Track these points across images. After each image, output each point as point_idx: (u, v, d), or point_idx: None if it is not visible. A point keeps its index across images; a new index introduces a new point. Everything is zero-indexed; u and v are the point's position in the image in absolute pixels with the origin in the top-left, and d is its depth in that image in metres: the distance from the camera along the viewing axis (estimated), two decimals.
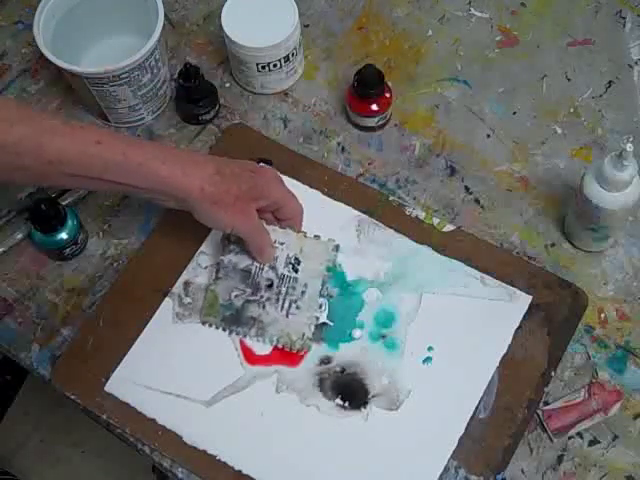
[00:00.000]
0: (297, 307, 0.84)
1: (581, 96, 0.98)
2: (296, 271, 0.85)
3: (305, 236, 0.87)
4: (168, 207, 0.81)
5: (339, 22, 1.05)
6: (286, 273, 0.85)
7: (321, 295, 0.85)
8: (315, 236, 0.87)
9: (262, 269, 0.85)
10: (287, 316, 0.84)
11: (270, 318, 0.84)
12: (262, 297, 0.85)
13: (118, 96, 0.93)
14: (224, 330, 0.85)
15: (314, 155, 0.96)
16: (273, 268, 0.85)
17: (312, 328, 0.84)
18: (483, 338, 0.84)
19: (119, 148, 0.75)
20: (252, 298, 0.85)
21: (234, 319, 0.84)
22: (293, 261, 0.85)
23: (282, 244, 0.85)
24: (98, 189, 0.85)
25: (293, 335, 0.84)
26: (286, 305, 0.84)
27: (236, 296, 0.84)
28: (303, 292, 0.85)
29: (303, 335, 0.84)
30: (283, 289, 0.85)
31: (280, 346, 0.84)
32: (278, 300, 0.85)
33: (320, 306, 0.85)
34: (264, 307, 0.84)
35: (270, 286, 0.85)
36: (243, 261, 0.85)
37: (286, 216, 0.86)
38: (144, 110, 0.97)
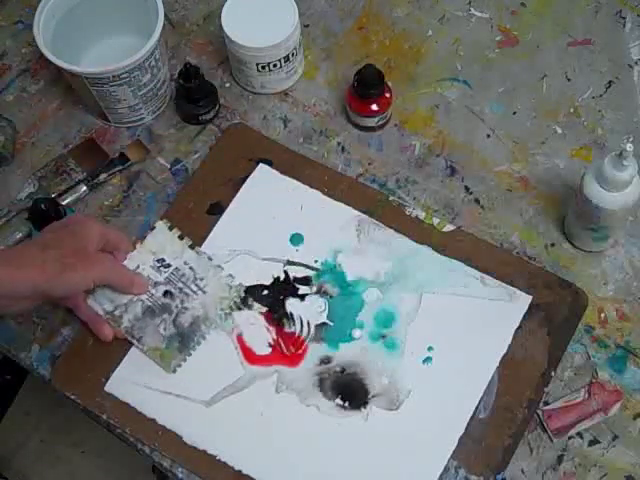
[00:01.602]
0: (201, 279, 0.86)
1: (581, 96, 0.98)
2: (169, 265, 0.87)
3: (142, 243, 0.87)
4: (22, 311, 0.82)
5: (339, 22, 1.05)
6: (165, 275, 0.86)
7: (198, 252, 0.87)
8: (143, 236, 0.88)
9: (152, 294, 0.85)
10: (204, 292, 0.86)
11: (199, 308, 0.85)
12: (177, 307, 0.85)
13: (118, 96, 0.93)
14: (190, 355, 0.84)
15: (314, 155, 0.96)
16: (157, 284, 0.86)
17: (227, 274, 0.86)
18: (483, 338, 0.84)
19: None
20: (173, 316, 0.85)
21: (184, 341, 0.84)
22: (158, 264, 0.86)
23: (137, 267, 0.86)
24: None
25: (223, 294, 0.86)
26: (195, 288, 0.86)
27: (165, 329, 0.85)
28: (191, 267, 0.87)
29: (229, 288, 0.86)
30: (180, 284, 0.86)
31: (228, 311, 0.85)
32: (187, 294, 0.86)
33: (230, 275, 0.87)
34: (187, 309, 0.85)
35: (171, 294, 0.86)
36: (135, 309, 0.85)
37: (115, 244, 0.84)
38: (144, 110, 0.97)
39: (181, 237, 0.88)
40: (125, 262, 0.86)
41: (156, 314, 0.85)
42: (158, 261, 0.87)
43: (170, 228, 0.88)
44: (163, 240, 0.87)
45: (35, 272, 0.75)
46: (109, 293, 0.84)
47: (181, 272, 0.86)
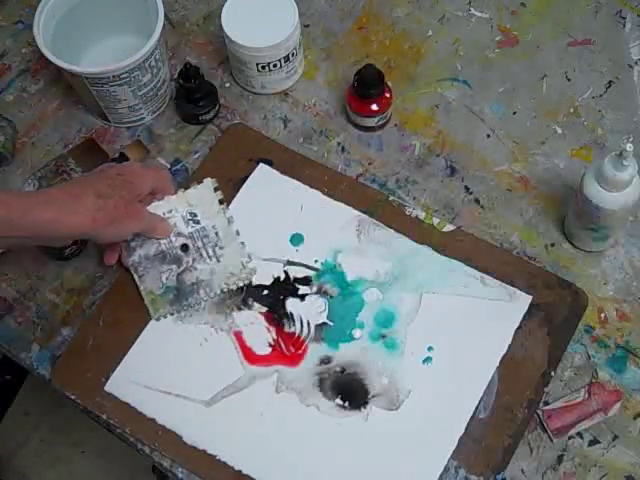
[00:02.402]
0: (221, 248, 0.87)
1: (581, 96, 0.98)
2: (198, 222, 0.88)
3: (184, 191, 0.89)
4: (62, 244, 0.85)
5: (339, 22, 1.05)
6: (191, 230, 0.88)
7: (229, 221, 0.88)
8: (187, 188, 0.89)
9: (171, 241, 0.87)
10: (219, 261, 0.87)
11: (207, 273, 0.87)
12: (188, 262, 0.87)
13: (118, 96, 0.93)
14: (178, 312, 0.86)
15: (314, 155, 0.96)
16: (179, 234, 0.87)
17: (245, 254, 0.87)
18: (483, 338, 0.84)
19: None
20: (180, 269, 0.87)
21: (179, 296, 0.86)
22: (189, 217, 0.88)
23: (170, 211, 0.88)
24: None
25: (234, 271, 0.87)
26: (211, 253, 0.87)
27: (167, 278, 0.86)
28: (217, 233, 0.88)
29: (242, 264, 0.87)
30: (199, 243, 0.87)
31: (232, 287, 0.86)
32: (202, 255, 0.87)
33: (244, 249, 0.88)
34: (195, 268, 0.87)
35: (187, 249, 0.87)
36: (150, 248, 0.87)
37: (158, 190, 0.87)
38: (144, 110, 0.97)
39: (221, 202, 0.89)
40: (160, 202, 0.87)
41: (165, 261, 0.87)
42: (190, 214, 0.88)
43: (215, 189, 0.89)
44: (204, 197, 0.89)
45: (86, 220, 0.78)
46: None
47: (206, 233, 0.88)
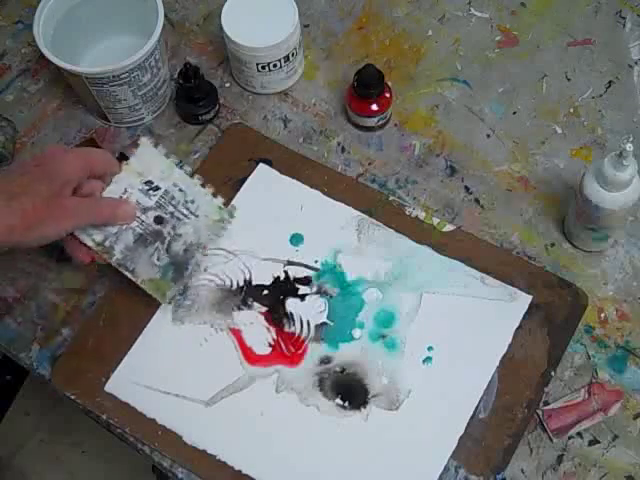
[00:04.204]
0: (192, 202, 0.83)
1: (581, 96, 0.98)
2: (158, 188, 0.82)
3: (127, 163, 0.82)
4: None
5: (339, 22, 1.05)
6: (156, 199, 0.82)
7: (191, 175, 0.84)
8: (127, 158, 0.83)
9: (142, 221, 0.81)
10: (196, 216, 0.83)
11: (191, 233, 0.83)
12: (169, 233, 0.83)
13: (118, 96, 0.93)
14: (185, 286, 0.84)
15: (314, 155, 0.96)
16: (146, 209, 0.82)
17: (217, 197, 0.85)
18: (483, 338, 0.84)
19: None
20: (165, 243, 0.82)
21: (179, 269, 0.83)
22: (147, 187, 0.82)
23: (126, 191, 0.81)
24: None
25: (215, 217, 0.84)
26: (185, 211, 0.83)
27: (158, 258, 0.82)
28: (180, 189, 0.83)
29: (219, 208, 0.85)
30: (170, 208, 0.83)
31: (221, 234, 0.85)
32: (178, 218, 0.83)
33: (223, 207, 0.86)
34: (180, 235, 0.83)
35: (162, 220, 0.82)
36: (126, 238, 0.81)
37: (102, 170, 0.79)
38: (144, 110, 0.97)
39: (167, 155, 0.84)
40: (111, 186, 0.80)
41: (148, 242, 0.81)
42: (146, 184, 0.81)
43: (155, 145, 0.83)
44: (149, 159, 0.82)
45: (3, 232, 0.69)
46: None
47: (171, 195, 0.83)
